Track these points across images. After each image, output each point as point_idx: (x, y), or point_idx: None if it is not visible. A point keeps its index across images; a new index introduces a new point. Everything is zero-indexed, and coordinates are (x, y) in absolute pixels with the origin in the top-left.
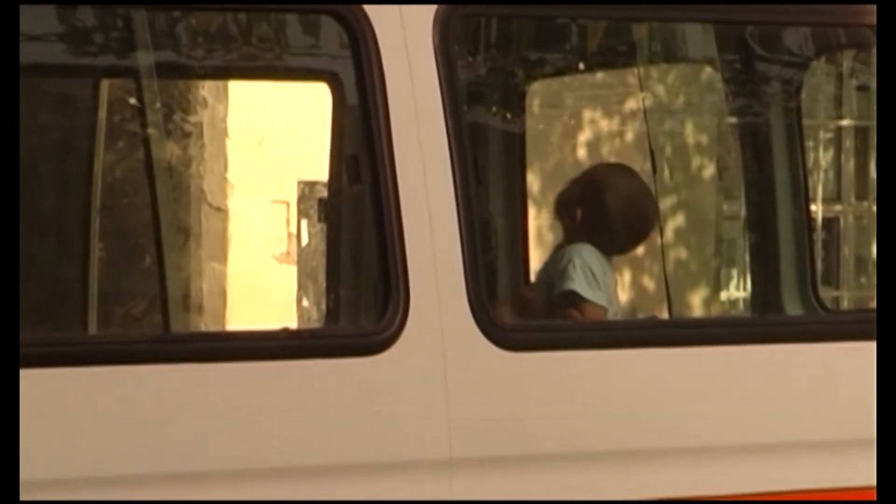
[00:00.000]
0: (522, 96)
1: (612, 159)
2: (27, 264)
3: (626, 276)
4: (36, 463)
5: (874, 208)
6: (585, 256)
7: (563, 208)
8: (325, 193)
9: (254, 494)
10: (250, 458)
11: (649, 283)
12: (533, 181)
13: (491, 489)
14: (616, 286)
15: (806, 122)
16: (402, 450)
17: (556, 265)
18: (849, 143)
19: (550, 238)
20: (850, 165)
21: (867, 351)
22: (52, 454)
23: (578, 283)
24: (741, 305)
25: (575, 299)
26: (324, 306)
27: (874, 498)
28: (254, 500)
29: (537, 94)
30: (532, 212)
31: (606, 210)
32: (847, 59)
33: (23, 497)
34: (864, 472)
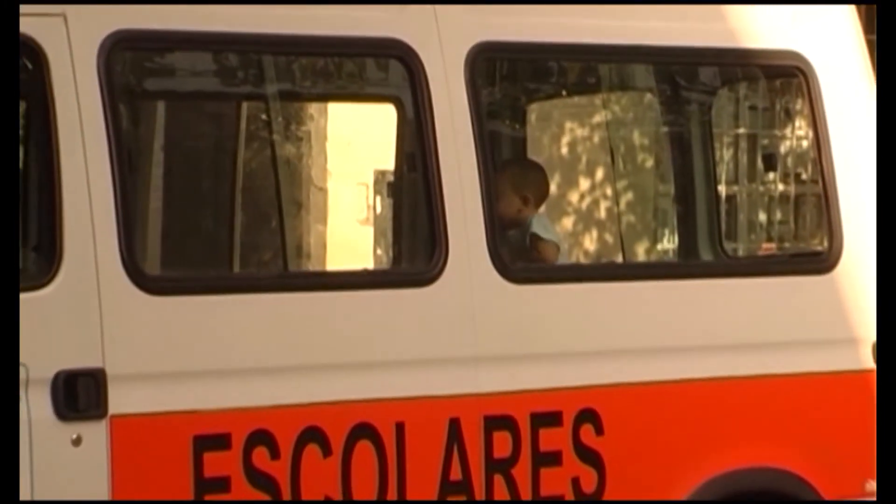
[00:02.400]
0: (524, 113)
1: (585, 157)
2: (195, 228)
3: (594, 234)
4: (200, 356)
5: (760, 187)
6: (541, 218)
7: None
8: (391, 178)
9: (344, 380)
10: (344, 352)
11: (609, 238)
12: None
13: (510, 381)
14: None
15: (714, 130)
16: (438, 349)
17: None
18: (742, 144)
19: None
20: (743, 159)
21: (755, 283)
22: (214, 349)
23: (537, 229)
24: (670, 254)
25: (535, 239)
26: (391, 254)
27: (754, 385)
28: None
29: (534, 111)
30: None
31: (536, 195)
32: (742, 88)
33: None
34: (750, 364)
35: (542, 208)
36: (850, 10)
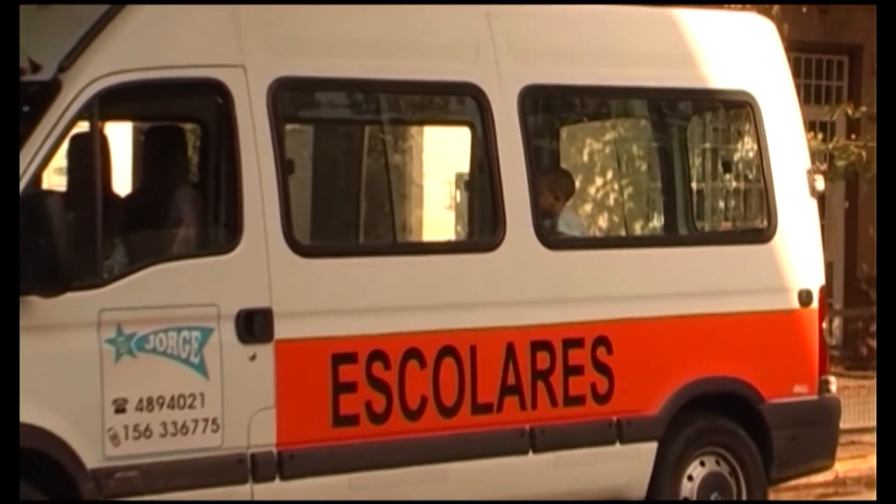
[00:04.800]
0: (558, 134)
1: (600, 164)
2: (333, 211)
3: (605, 216)
4: (336, 300)
5: (720, 184)
6: (566, 213)
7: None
8: (467, 178)
9: (435, 317)
10: (434, 297)
11: (616, 218)
12: None
13: (547, 317)
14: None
15: (689, 144)
16: (498, 295)
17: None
18: (707, 154)
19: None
20: (708, 164)
21: (716, 250)
22: (346, 294)
23: (562, 228)
24: (658, 230)
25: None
26: (467, 230)
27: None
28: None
29: (565, 132)
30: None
31: (566, 192)
32: (708, 115)
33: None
34: (713, 305)
35: (570, 202)
36: (783, 56)
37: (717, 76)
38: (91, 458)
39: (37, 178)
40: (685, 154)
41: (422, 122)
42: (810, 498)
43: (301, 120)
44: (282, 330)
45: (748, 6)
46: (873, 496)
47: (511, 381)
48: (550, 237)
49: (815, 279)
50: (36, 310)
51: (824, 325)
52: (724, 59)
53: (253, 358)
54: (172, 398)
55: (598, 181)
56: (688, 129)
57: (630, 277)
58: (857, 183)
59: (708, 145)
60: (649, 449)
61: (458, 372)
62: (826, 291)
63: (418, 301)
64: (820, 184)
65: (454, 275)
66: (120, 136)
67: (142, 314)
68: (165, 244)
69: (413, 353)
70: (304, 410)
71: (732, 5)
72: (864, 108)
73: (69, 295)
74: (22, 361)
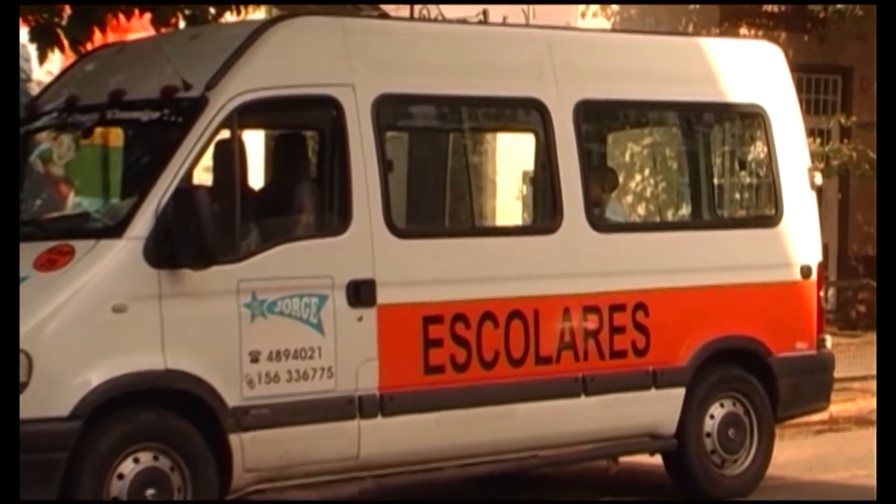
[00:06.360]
0: (605, 138)
1: (639, 163)
2: (424, 201)
3: (643, 205)
4: (426, 272)
5: (737, 179)
6: (613, 203)
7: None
8: (532, 175)
9: (506, 286)
10: (505, 270)
11: (652, 207)
12: None
13: (597, 287)
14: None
15: (711, 147)
16: (558, 268)
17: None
18: (726, 156)
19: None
20: (727, 163)
21: (734, 233)
22: (434, 267)
23: (609, 215)
24: (687, 216)
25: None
26: (531, 217)
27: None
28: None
29: (611, 137)
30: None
31: (611, 185)
32: (727, 123)
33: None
34: (731, 277)
35: (614, 194)
36: (788, 76)
37: (735, 92)
38: (231, 398)
39: (188, 175)
40: (708, 155)
41: (495, 130)
42: (810, 434)
43: (399, 128)
44: (383, 297)
45: (760, 35)
46: (861, 433)
47: (567, 338)
48: (599, 222)
49: (813, 256)
50: (188, 280)
51: (821, 293)
52: (741, 78)
53: (360, 319)
54: (296, 351)
55: (638, 177)
56: (710, 135)
57: (663, 255)
58: (849, 178)
59: (727, 148)
60: (678, 393)
61: (524, 331)
62: (823, 266)
63: (492, 274)
64: (818, 179)
65: (521, 253)
66: (254, 142)
67: (272, 284)
68: (290, 228)
69: (488, 316)
70: (400, 361)
71: (747, 34)
72: (854, 118)
73: (214, 268)
74: (176, 321)
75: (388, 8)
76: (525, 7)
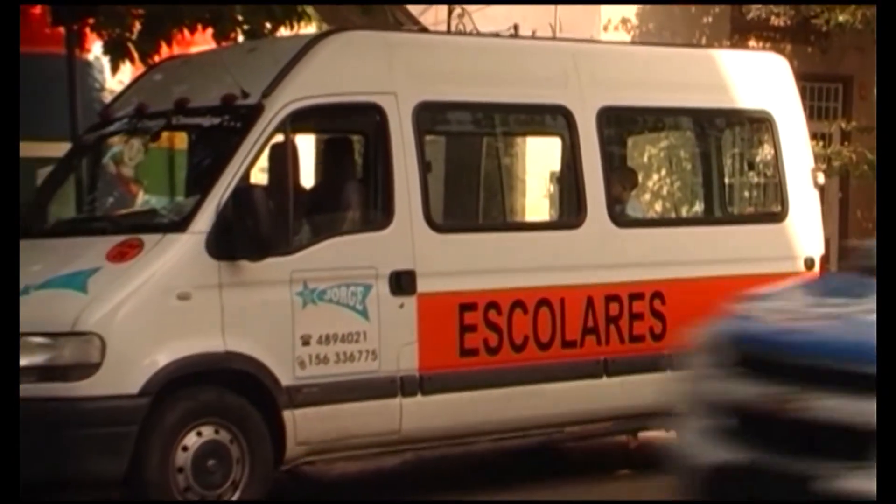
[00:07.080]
0: (626, 141)
1: (656, 164)
2: (460, 199)
3: (660, 202)
4: (462, 264)
5: (746, 179)
6: (633, 200)
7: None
8: (559, 175)
9: (534, 277)
10: (533, 262)
11: (668, 205)
12: None
13: (617, 277)
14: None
15: (723, 149)
16: (581, 260)
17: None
18: (736, 158)
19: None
20: (737, 164)
21: (744, 228)
22: (469, 259)
23: (629, 212)
24: (700, 213)
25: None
26: (558, 213)
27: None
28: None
29: (630, 140)
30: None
31: (631, 184)
32: (737, 127)
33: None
34: (740, 269)
35: (634, 192)
36: (793, 84)
37: (744, 99)
38: (284, 378)
39: (246, 175)
40: (719, 157)
41: (525, 134)
42: None
43: (437, 132)
44: (422, 286)
45: (767, 47)
46: None
47: (590, 324)
48: (620, 218)
49: (816, 250)
50: (245, 271)
51: None
52: (749, 86)
53: (401, 306)
54: (343, 335)
55: (655, 177)
56: (721, 139)
57: (679, 248)
58: (849, 178)
59: (736, 150)
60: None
61: (552, 317)
62: (825, 259)
63: (522, 265)
64: (821, 179)
65: (548, 246)
66: (306, 145)
67: (321, 274)
68: (338, 223)
69: (518, 304)
70: (438, 345)
71: (755, 46)
72: (854, 123)
73: (269, 260)
74: (235, 308)
75: (427, 22)
76: (552, 22)
